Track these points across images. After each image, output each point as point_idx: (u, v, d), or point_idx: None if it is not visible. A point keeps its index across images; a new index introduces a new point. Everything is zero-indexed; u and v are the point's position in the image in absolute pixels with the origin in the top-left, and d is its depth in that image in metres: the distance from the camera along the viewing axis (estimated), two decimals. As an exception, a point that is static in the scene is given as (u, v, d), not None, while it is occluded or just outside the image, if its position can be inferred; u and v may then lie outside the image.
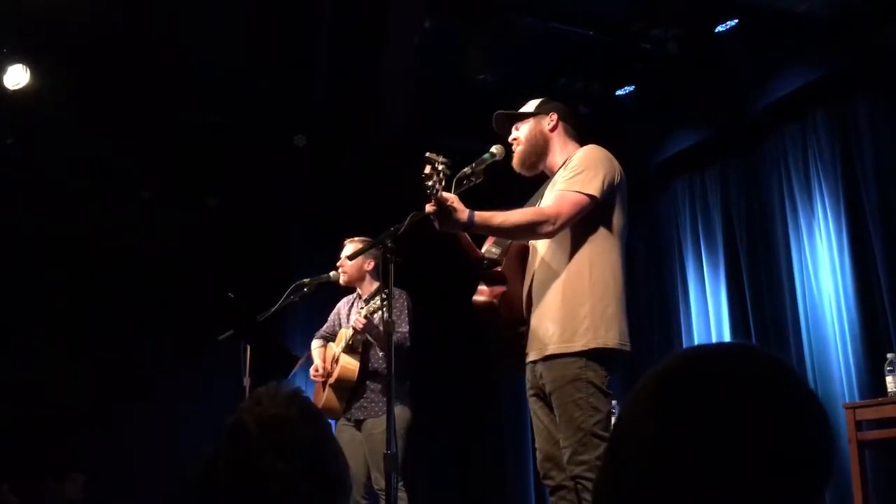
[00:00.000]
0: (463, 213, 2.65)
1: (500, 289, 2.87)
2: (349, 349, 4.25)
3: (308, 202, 6.66)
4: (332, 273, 4.40)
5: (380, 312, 3.93)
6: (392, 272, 2.92)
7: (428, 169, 2.63)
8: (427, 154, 2.66)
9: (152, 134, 5.81)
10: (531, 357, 2.85)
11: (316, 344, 4.57)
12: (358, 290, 4.50)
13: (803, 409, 0.91)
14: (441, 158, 2.66)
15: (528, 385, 2.91)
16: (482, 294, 2.90)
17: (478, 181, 2.94)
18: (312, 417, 1.14)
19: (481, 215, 2.68)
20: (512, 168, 3.09)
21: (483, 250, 2.97)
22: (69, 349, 6.13)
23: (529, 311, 2.87)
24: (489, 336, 3.01)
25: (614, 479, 0.92)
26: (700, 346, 1.00)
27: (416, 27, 4.93)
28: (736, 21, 4.94)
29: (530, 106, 3.11)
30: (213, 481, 1.08)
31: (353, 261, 4.26)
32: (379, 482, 4.08)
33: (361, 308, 4.27)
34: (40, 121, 5.38)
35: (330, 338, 4.56)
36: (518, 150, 3.03)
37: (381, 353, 4.19)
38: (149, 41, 4.96)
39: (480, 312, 2.91)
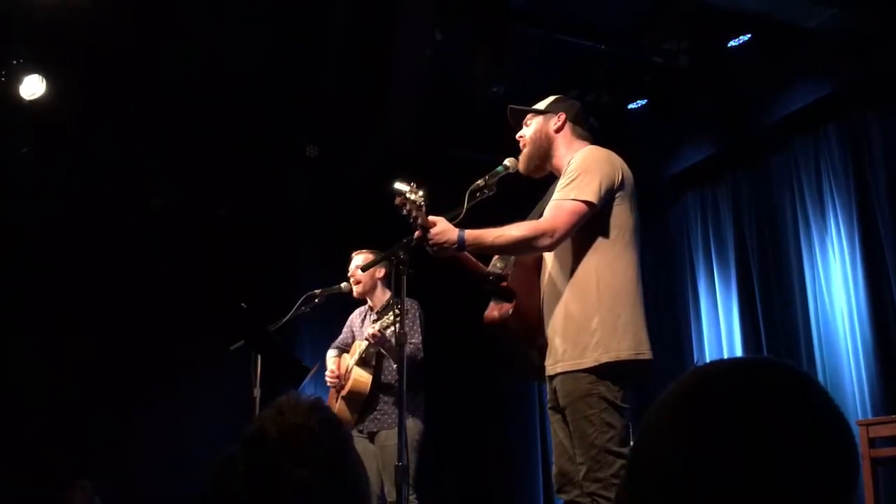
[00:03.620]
0: (451, 234, 2.60)
1: (507, 306, 2.80)
2: (362, 362, 4.24)
3: (319, 212, 6.68)
4: (343, 284, 4.39)
5: (393, 327, 3.92)
6: (404, 284, 2.90)
7: (398, 201, 2.61)
8: (395, 185, 2.63)
9: (164, 143, 5.84)
10: (548, 371, 2.77)
11: (331, 354, 4.56)
12: (369, 300, 4.50)
13: (828, 421, 0.90)
14: (410, 187, 2.63)
15: (548, 398, 2.84)
16: (491, 311, 2.84)
17: (491, 193, 2.90)
18: (333, 427, 1.14)
19: (472, 234, 2.61)
20: (523, 177, 3.02)
21: (490, 265, 2.90)
22: (78, 357, 6.14)
23: (542, 327, 2.80)
24: (504, 352, 2.97)
25: (637, 498, 0.91)
26: (719, 361, 0.98)
27: (426, 39, 4.94)
28: (748, 36, 4.95)
29: (543, 103, 3.02)
30: (233, 487, 1.08)
31: (366, 271, 4.26)
32: (392, 494, 4.06)
33: (374, 320, 4.27)
34: (54, 130, 5.41)
35: (344, 349, 4.56)
36: (522, 152, 2.95)
37: (394, 366, 4.17)
38: (162, 52, 4.99)
39: (493, 328, 2.85)
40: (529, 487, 7.06)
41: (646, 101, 5.71)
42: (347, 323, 4.63)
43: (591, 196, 2.62)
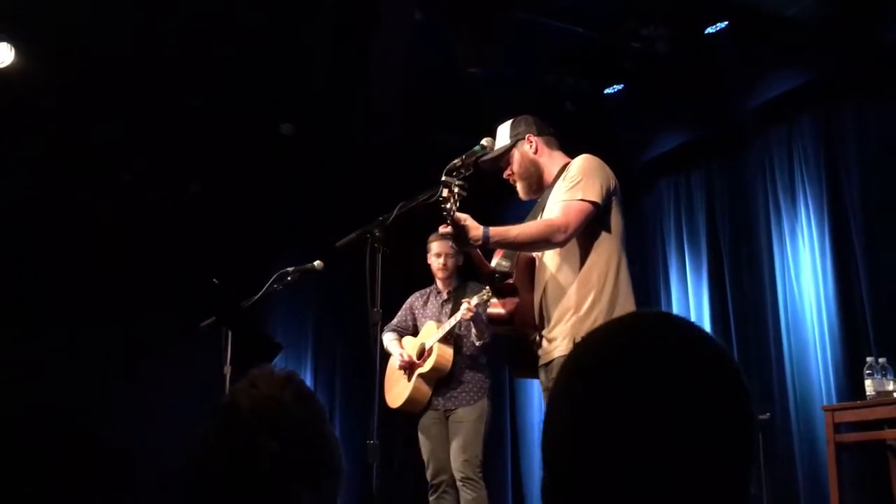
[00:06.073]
0: (477, 230, 2.75)
1: (512, 301, 3.00)
2: (444, 339, 4.35)
3: (294, 190, 6.62)
4: (316, 262, 4.35)
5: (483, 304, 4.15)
6: (379, 262, 2.91)
7: (446, 192, 2.75)
8: (444, 178, 2.78)
9: (137, 116, 5.74)
10: (544, 359, 2.96)
11: (390, 336, 4.61)
12: (437, 285, 4.63)
13: (715, 372, 0.87)
14: (457, 181, 2.78)
15: (541, 387, 3.08)
16: (496, 307, 3.05)
17: (468, 173, 2.96)
18: (307, 400, 1.12)
19: (496, 231, 2.79)
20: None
21: (493, 264, 3.08)
22: (46, 334, 6.05)
23: (542, 319, 2.98)
24: (503, 344, 3.20)
25: (546, 470, 0.89)
26: (607, 323, 0.95)
27: (407, 19, 4.90)
28: (726, 23, 4.96)
29: (504, 136, 3.19)
30: (205, 460, 1.06)
31: (454, 259, 4.46)
32: (464, 471, 4.22)
33: (444, 300, 4.53)
34: (23, 100, 5.30)
35: (403, 331, 4.65)
36: (518, 186, 3.16)
37: (476, 343, 4.34)
38: (137, 22, 4.90)
39: (495, 324, 3.07)
40: (500, 479, 7.07)
41: (623, 86, 5.71)
42: (406, 306, 4.71)
43: (596, 197, 2.86)
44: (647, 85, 5.63)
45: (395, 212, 2.93)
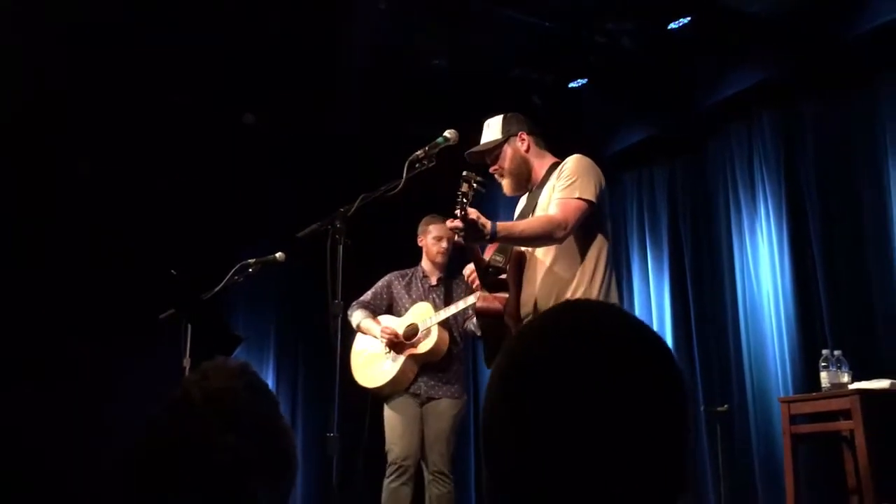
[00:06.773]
0: (486, 225, 2.78)
1: (504, 295, 3.06)
2: (442, 324, 4.28)
3: (255, 181, 6.55)
4: (278, 254, 4.30)
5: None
6: (340, 254, 2.88)
7: (465, 187, 2.77)
8: (465, 173, 2.79)
9: (96, 108, 5.63)
10: None
11: (363, 314, 4.46)
12: (424, 269, 4.53)
13: (647, 357, 0.87)
14: (476, 178, 2.80)
15: None
16: (488, 301, 3.08)
17: (430, 165, 2.96)
18: (261, 391, 1.10)
19: (503, 226, 2.84)
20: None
21: (487, 258, 3.10)
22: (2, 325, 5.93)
23: (534, 313, 2.99)
24: (487, 337, 3.18)
25: (487, 469, 0.89)
26: (539, 316, 0.95)
27: (372, 9, 4.87)
28: (688, 18, 4.99)
29: (495, 130, 3.21)
30: (158, 454, 1.04)
31: (451, 243, 4.33)
32: (437, 464, 4.17)
33: (433, 285, 4.48)
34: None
35: (375, 310, 4.50)
36: (505, 181, 3.20)
37: (478, 333, 4.18)
38: (107, 13, 4.79)
39: (484, 317, 3.11)
40: (464, 476, 7.08)
41: (587, 80, 5.73)
42: (383, 284, 4.57)
43: (591, 196, 2.95)
44: (612, 79, 5.66)
45: (356, 203, 2.91)
